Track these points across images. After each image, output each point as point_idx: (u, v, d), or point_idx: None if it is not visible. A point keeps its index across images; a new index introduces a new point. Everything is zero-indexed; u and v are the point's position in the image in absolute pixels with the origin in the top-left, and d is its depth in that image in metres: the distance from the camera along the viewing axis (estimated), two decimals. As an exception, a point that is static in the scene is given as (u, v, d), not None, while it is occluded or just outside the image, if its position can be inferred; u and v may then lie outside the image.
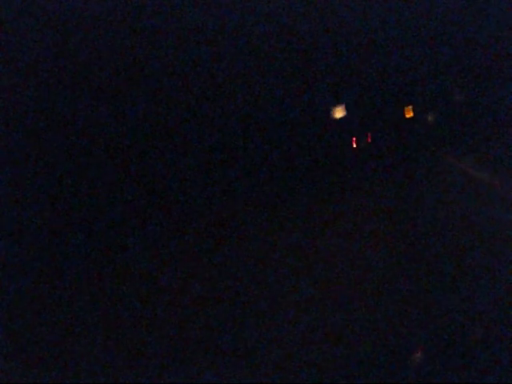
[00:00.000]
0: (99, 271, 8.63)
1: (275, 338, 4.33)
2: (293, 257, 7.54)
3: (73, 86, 10.24)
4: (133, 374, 4.19)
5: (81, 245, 9.79)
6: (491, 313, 3.59)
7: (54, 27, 9.71)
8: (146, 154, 12.48)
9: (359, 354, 2.17)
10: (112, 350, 4.91)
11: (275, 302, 5.39)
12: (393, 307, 4.52)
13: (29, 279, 8.32)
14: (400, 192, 12.01)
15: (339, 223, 9.72)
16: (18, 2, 9.43)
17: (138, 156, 12.34)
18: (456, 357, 1.84)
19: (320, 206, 12.43)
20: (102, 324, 5.86)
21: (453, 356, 1.86)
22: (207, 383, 3.76)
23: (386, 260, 6.28)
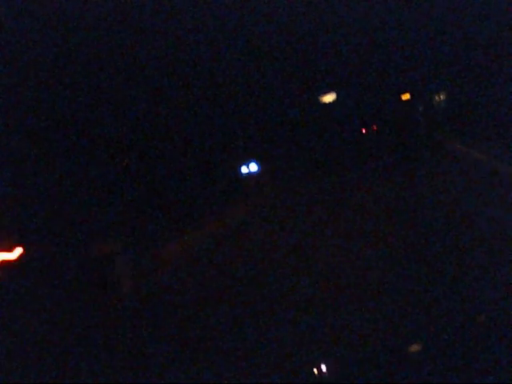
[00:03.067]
0: (99, 271, 8.62)
1: (275, 337, 4.33)
2: (293, 257, 7.54)
3: (72, 85, 10.20)
4: (133, 374, 4.19)
5: (81, 245, 9.77)
6: (491, 312, 3.59)
7: (54, 27, 9.70)
8: (145, 153, 12.42)
9: (359, 354, 2.17)
10: (112, 349, 4.91)
11: (275, 301, 5.40)
12: (393, 307, 4.52)
13: (29, 279, 8.31)
14: (400, 192, 11.96)
15: (339, 222, 9.72)
16: (18, 1, 9.42)
17: (137, 155, 12.26)
18: (456, 357, 1.84)
19: (320, 205, 12.38)
20: (101, 324, 5.86)
21: (453, 356, 1.85)
22: (207, 383, 3.76)
23: (386, 259, 6.28)
